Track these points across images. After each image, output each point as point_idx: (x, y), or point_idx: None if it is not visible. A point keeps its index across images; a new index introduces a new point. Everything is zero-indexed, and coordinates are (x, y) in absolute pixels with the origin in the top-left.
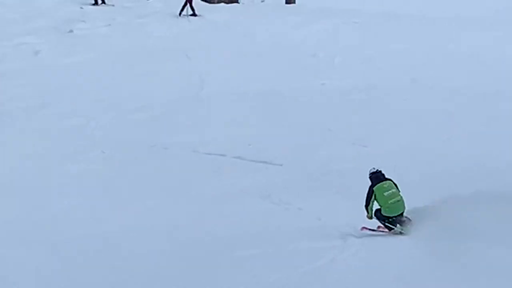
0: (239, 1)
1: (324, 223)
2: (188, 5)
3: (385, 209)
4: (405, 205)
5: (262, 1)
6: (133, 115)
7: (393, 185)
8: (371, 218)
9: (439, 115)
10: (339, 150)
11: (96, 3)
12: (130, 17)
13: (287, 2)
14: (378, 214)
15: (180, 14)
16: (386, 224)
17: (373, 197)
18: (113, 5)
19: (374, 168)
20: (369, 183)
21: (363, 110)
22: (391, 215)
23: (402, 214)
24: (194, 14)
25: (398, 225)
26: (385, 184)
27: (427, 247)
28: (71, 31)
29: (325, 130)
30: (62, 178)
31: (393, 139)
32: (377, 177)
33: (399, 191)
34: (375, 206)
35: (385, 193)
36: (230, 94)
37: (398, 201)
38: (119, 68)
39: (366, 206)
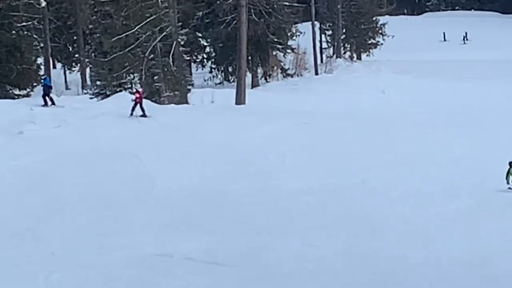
0: (189, 102)
1: None
2: (138, 106)
3: None
4: None
5: (212, 102)
6: (82, 216)
7: None
8: None
9: (390, 217)
10: (292, 251)
11: (45, 104)
12: (80, 118)
13: (237, 103)
14: None
15: (131, 114)
16: None
17: None
18: (63, 107)
19: None
20: None
21: (313, 212)
22: None
23: None
24: (144, 115)
25: None
26: None
27: None
28: (21, 132)
29: (277, 231)
30: None
31: (343, 241)
32: None
33: None
34: None
35: None
36: (180, 195)
37: None
38: (68, 169)
39: None
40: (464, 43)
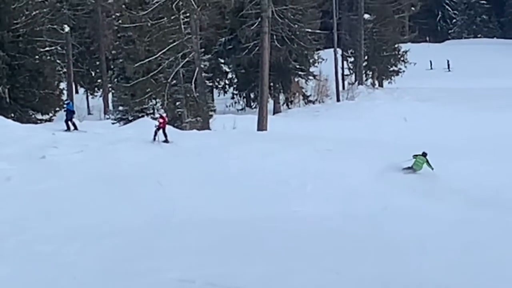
0: (211, 128)
1: None
2: (161, 131)
3: None
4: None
5: (234, 128)
6: (104, 241)
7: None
8: None
9: (411, 242)
10: (312, 277)
11: (68, 129)
12: (102, 143)
13: (259, 129)
14: None
15: (154, 140)
16: None
17: None
18: (85, 132)
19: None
20: None
21: (334, 238)
22: None
23: None
24: (166, 141)
25: None
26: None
27: None
28: (43, 157)
29: (297, 258)
30: None
31: (365, 267)
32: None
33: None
34: None
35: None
36: (201, 221)
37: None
38: (91, 194)
39: None
40: (449, 70)
